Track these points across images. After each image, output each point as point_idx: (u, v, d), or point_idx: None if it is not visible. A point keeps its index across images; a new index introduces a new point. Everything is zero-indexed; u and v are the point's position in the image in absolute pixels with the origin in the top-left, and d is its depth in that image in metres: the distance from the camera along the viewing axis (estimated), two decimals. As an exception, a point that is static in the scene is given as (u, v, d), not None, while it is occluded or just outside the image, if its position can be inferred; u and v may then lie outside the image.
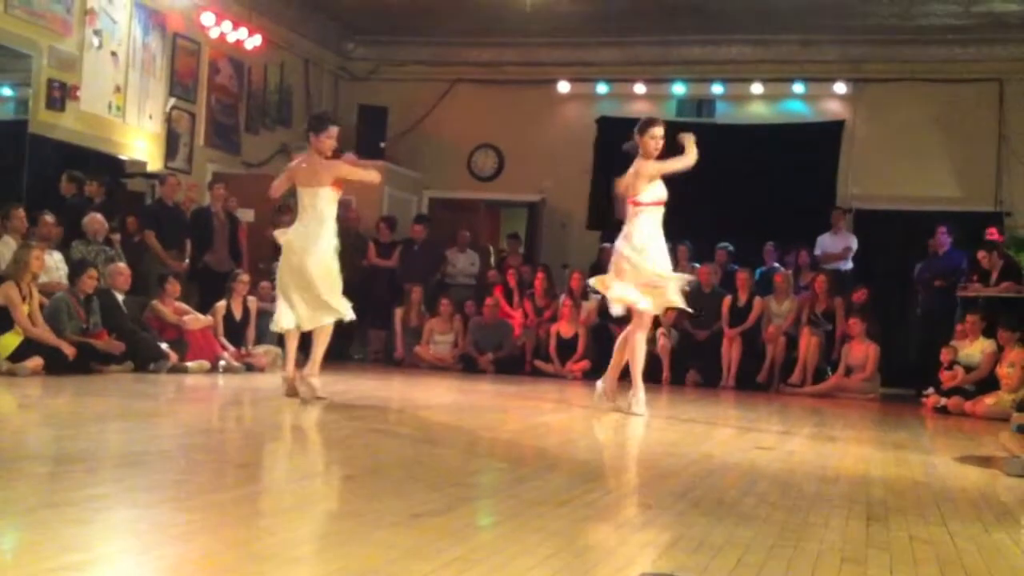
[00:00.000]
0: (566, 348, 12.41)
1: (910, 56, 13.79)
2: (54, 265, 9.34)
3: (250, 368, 10.22)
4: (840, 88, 14.20)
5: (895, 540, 3.42)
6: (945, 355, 10.48)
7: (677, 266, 13.18)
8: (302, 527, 3.05)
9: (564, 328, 12.42)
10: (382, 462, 4.86)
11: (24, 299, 8.31)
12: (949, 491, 4.71)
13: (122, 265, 9.85)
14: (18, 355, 8.08)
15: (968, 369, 10.20)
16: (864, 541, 3.38)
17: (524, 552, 3.01)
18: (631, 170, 7.95)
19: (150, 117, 12.06)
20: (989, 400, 9.59)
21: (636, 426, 7.31)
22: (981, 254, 11.52)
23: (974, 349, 10.39)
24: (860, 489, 4.60)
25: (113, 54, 11.41)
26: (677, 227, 13.33)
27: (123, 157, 11.61)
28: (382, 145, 14.57)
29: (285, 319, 7.59)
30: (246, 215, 12.55)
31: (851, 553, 3.17)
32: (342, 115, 15.50)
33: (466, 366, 12.46)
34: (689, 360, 12.20)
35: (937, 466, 5.68)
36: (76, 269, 9.04)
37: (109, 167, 11.32)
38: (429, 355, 12.68)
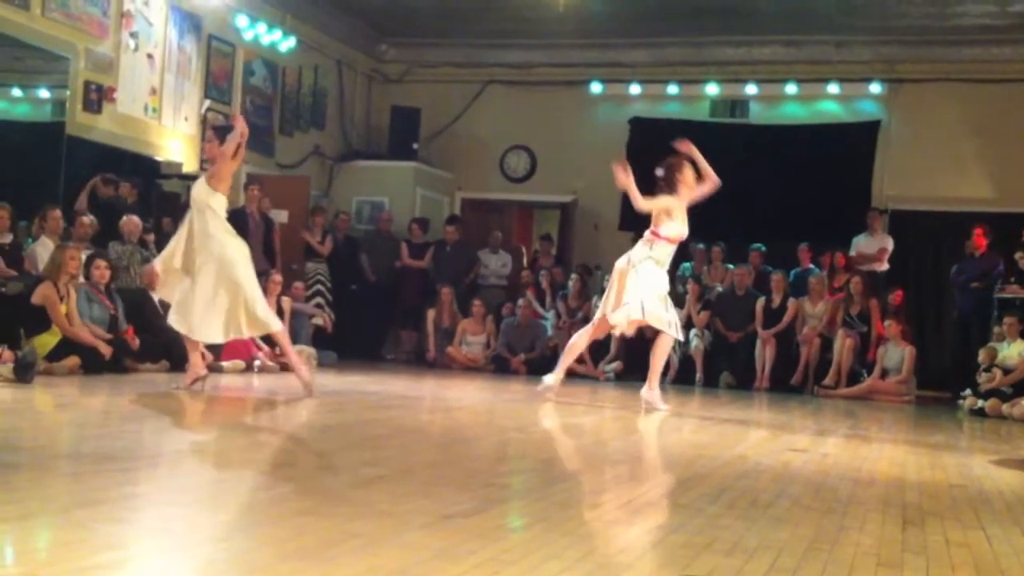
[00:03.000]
0: (599, 349, 12.38)
1: (945, 56, 13.67)
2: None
3: (284, 368, 10.25)
4: (875, 88, 14.09)
5: (931, 544, 3.39)
6: (983, 357, 10.38)
7: (710, 265, 13.22)
8: (334, 527, 3.05)
9: (597, 329, 12.39)
10: (413, 462, 4.87)
11: (61, 299, 8.39)
12: (986, 494, 4.66)
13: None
14: (55, 354, 8.15)
15: (1006, 371, 10.10)
16: (900, 545, 3.35)
17: (555, 555, 3.00)
18: (663, 203, 8.22)
19: (185, 119, 12.15)
20: (1027, 402, 9.49)
21: (669, 428, 7.29)
22: (1019, 255, 11.39)
23: (1012, 351, 10.28)
24: (895, 492, 4.56)
25: (149, 56, 11.51)
26: (711, 229, 13.40)
27: (159, 158, 11.70)
28: (415, 146, 14.62)
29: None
30: (280, 216, 12.63)
31: (887, 557, 3.15)
32: (375, 117, 15.61)
33: (498, 367, 12.47)
34: (722, 362, 12.15)
35: (974, 469, 5.62)
36: (86, 264, 9.10)
37: (145, 168, 11.42)
38: (461, 356, 12.69)
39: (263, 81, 13.58)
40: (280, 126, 13.93)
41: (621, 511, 3.60)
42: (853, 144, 14.00)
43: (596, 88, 15.02)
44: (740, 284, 12.44)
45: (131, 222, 10.19)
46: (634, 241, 14.02)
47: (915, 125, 13.89)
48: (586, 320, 12.67)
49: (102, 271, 9.11)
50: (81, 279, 9.05)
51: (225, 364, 9.68)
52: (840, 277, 12.64)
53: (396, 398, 8.26)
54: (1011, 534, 3.71)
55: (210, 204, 7.47)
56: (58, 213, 9.52)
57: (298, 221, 13.05)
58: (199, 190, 7.56)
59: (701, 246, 13.17)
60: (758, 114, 14.68)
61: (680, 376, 12.12)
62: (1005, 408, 9.58)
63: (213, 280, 7.29)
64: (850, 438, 7.07)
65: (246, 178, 13.03)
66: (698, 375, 12.04)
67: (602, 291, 12.89)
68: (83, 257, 8.98)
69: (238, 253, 7.48)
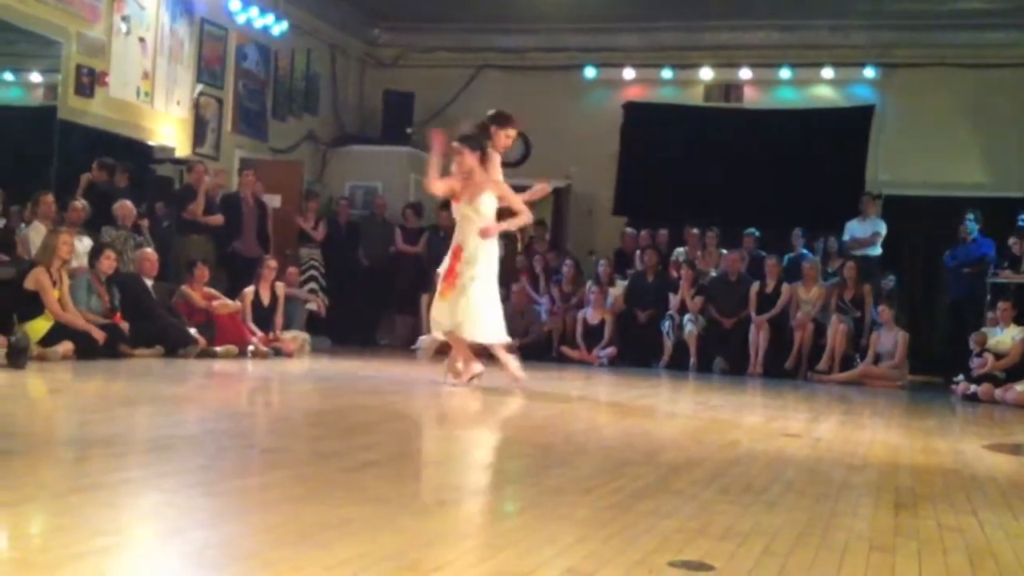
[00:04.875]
0: (592, 335, 12.40)
1: (940, 41, 13.66)
2: (83, 250, 9.40)
3: (278, 353, 10.26)
4: (869, 73, 14.09)
5: (923, 528, 3.40)
6: (975, 342, 10.41)
7: (704, 250, 13.23)
8: (327, 512, 3.05)
9: (591, 314, 12.42)
10: (408, 448, 4.87)
11: (54, 284, 8.37)
12: (978, 479, 4.68)
13: (150, 251, 9.91)
14: (49, 340, 8.13)
15: (998, 356, 10.12)
16: (892, 529, 3.36)
17: (549, 539, 3.01)
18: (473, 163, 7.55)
19: (178, 103, 12.11)
20: (1020, 387, 9.52)
21: (662, 413, 7.30)
22: (1012, 240, 11.41)
23: (1005, 336, 10.31)
24: (888, 477, 4.57)
25: (141, 40, 11.45)
26: (705, 214, 13.43)
27: (151, 143, 11.66)
28: (408, 131, 14.58)
29: None
30: (273, 201, 12.60)
31: (879, 541, 3.16)
32: (368, 101, 15.56)
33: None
34: (716, 347, 12.16)
35: (966, 454, 5.64)
36: (94, 251, 9.09)
37: (138, 153, 11.38)
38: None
39: (256, 65, 13.54)
40: (273, 110, 13.89)
41: (615, 496, 3.61)
42: (847, 129, 14.01)
43: (590, 73, 15.00)
44: (733, 269, 12.44)
45: (124, 207, 10.15)
46: (629, 225, 14.13)
47: (909, 110, 13.89)
48: (580, 305, 12.71)
49: (111, 261, 9.09)
50: (84, 267, 9.04)
51: (218, 349, 9.68)
52: (834, 262, 12.66)
53: (390, 384, 8.26)
54: (1003, 518, 3.72)
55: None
56: (51, 198, 9.49)
57: (291, 206, 13.02)
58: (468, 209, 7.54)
59: (695, 231, 13.17)
60: (752, 99, 14.67)
61: (673, 361, 12.14)
62: (998, 393, 9.61)
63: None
64: (843, 423, 7.08)
65: (239, 162, 13.01)
66: (691, 360, 12.05)
67: (596, 276, 12.96)
68: (75, 242, 8.96)
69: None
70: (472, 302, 7.44)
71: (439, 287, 7.62)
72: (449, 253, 7.63)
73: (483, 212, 7.53)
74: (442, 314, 7.54)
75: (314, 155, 14.68)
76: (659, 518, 3.26)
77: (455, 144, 7.60)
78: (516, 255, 14.10)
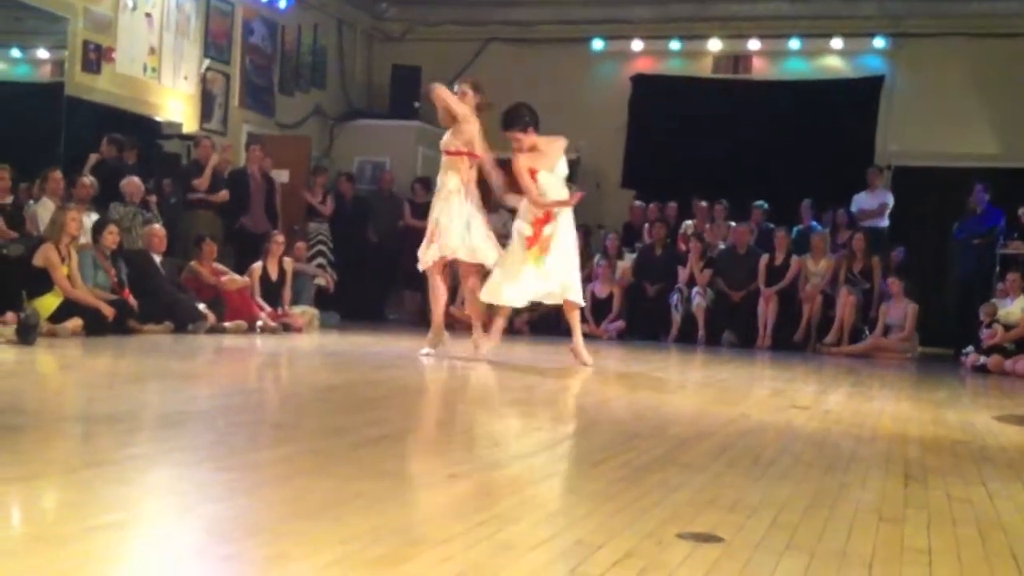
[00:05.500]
0: (601, 308, 12.40)
1: (950, 11, 13.57)
2: (91, 227, 9.41)
3: (287, 328, 10.28)
4: (879, 43, 14.00)
5: (933, 500, 3.40)
6: (984, 313, 10.38)
7: (713, 223, 13.21)
8: (338, 486, 3.06)
9: (599, 288, 12.41)
10: (417, 422, 4.89)
11: (63, 260, 8.39)
12: (988, 450, 4.68)
13: (158, 227, 9.91)
14: (58, 316, 8.16)
15: (1008, 327, 10.10)
16: (901, 501, 3.36)
17: (560, 512, 3.02)
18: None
19: (185, 78, 12.09)
20: (1029, 359, 9.51)
21: (671, 386, 7.31)
22: (1022, 211, 11.36)
23: (1014, 307, 10.28)
24: (897, 448, 4.57)
25: (147, 15, 11.43)
26: (714, 186, 13.39)
27: (159, 119, 11.66)
28: (416, 105, 14.53)
29: None
30: (281, 176, 12.60)
31: (888, 513, 3.16)
32: (376, 75, 15.51)
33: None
34: (724, 320, 12.16)
35: (976, 425, 5.63)
36: (96, 227, 9.09)
37: (145, 129, 11.38)
38: (464, 316, 12.68)
39: (262, 40, 13.50)
40: (280, 85, 13.87)
41: (624, 469, 3.61)
42: (857, 100, 13.93)
43: (598, 45, 14.93)
44: (742, 242, 12.42)
45: (132, 183, 10.16)
46: (637, 198, 14.09)
47: (919, 80, 13.81)
48: (588, 279, 12.68)
49: (115, 236, 9.10)
50: (89, 243, 9.05)
51: (227, 325, 9.70)
52: (843, 234, 12.62)
53: (399, 358, 8.28)
54: (1013, 489, 3.72)
55: None
56: (59, 174, 9.49)
57: (299, 181, 13.01)
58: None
59: (703, 203, 13.14)
60: (761, 70, 14.59)
61: (682, 335, 12.14)
62: (1008, 364, 9.60)
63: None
64: (852, 395, 7.08)
65: (247, 138, 12.99)
66: (700, 333, 12.05)
67: (604, 250, 12.94)
68: (83, 219, 8.96)
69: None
70: (572, 266, 7.78)
71: (518, 254, 7.70)
72: (531, 220, 7.73)
73: (561, 175, 7.97)
74: (533, 281, 7.68)
75: (321, 130, 14.66)
76: (668, 490, 3.27)
77: (514, 134, 8.02)
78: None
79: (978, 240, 11.89)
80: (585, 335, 11.98)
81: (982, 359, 9.90)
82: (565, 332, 12.17)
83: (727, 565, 2.47)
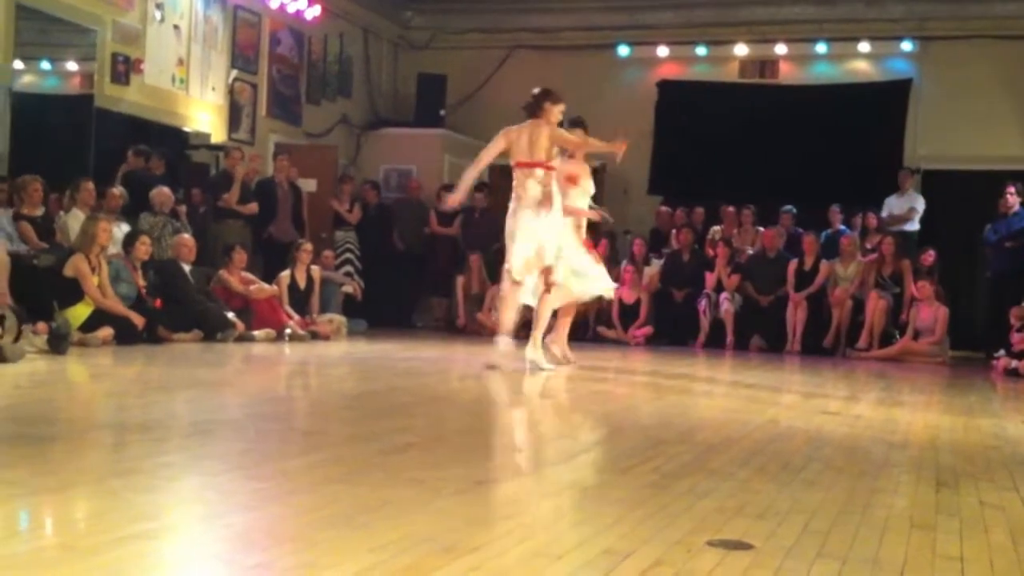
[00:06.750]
0: (628, 314, 12.37)
1: (977, 13, 13.47)
2: (121, 237, 9.48)
3: (315, 336, 10.32)
4: (906, 47, 13.91)
5: (965, 506, 3.37)
6: (1015, 316, 10.28)
7: (740, 228, 13.15)
8: (366, 494, 3.07)
9: (626, 294, 12.37)
10: (445, 430, 4.89)
11: (93, 270, 8.46)
12: (1020, 456, 4.63)
13: (187, 236, 9.98)
14: (89, 325, 8.22)
15: (1040, 331, 10.00)
16: (933, 507, 3.34)
17: (586, 520, 3.01)
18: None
19: (213, 89, 12.17)
20: (1062, 363, 9.41)
21: (699, 392, 7.28)
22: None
23: (1046, 311, 10.18)
24: (929, 454, 4.53)
25: (175, 27, 11.51)
26: (742, 190, 13.34)
27: (187, 129, 11.75)
28: (442, 113, 14.58)
29: None
30: (308, 185, 12.66)
31: (920, 519, 3.13)
32: (401, 84, 15.56)
33: (528, 333, 12.43)
34: (753, 325, 12.10)
35: (1008, 430, 5.58)
36: (129, 238, 9.18)
37: (174, 139, 11.47)
38: (491, 322, 12.68)
39: (289, 50, 13.57)
40: (307, 95, 13.93)
41: (652, 475, 3.60)
42: (884, 103, 13.85)
43: (623, 51, 14.91)
44: (771, 246, 12.36)
45: (161, 193, 10.24)
46: (664, 204, 14.06)
47: (947, 83, 13.70)
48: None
49: (147, 247, 9.18)
50: (120, 252, 9.12)
51: (256, 333, 9.75)
52: (872, 238, 12.54)
53: (427, 365, 8.29)
54: (1046, 495, 3.69)
55: None
56: (90, 185, 9.57)
57: (326, 190, 13.07)
58: None
59: (731, 208, 13.09)
60: (788, 74, 14.53)
61: (710, 339, 12.09)
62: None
63: None
64: (883, 400, 7.03)
65: (274, 147, 13.07)
66: (728, 338, 12.00)
67: (631, 256, 12.91)
68: (114, 229, 9.03)
69: None
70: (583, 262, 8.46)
71: (588, 256, 8.44)
72: (582, 226, 8.50)
73: (588, 192, 8.86)
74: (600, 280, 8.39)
75: (348, 139, 14.72)
76: (697, 497, 3.26)
77: (580, 132, 8.57)
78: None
79: (1011, 243, 11.77)
80: (613, 341, 12.06)
81: (1013, 363, 9.81)
82: (591, 339, 12.24)
83: (758, 573, 2.46)
